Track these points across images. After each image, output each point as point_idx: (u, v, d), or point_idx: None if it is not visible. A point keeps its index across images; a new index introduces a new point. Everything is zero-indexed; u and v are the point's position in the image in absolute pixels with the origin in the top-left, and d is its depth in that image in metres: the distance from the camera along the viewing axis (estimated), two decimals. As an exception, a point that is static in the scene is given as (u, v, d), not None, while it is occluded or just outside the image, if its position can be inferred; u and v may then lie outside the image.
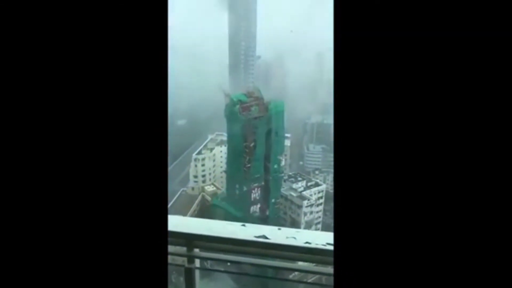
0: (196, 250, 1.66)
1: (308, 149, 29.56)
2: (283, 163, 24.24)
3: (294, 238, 1.50)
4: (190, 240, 1.61)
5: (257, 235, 1.52)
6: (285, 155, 25.61)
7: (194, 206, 23.12)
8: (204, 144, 27.00)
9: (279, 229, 1.56)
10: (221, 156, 26.29)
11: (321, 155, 28.73)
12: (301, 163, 29.26)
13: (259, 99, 22.21)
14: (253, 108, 21.74)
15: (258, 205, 22.56)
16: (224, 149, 25.34)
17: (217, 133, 26.93)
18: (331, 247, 1.44)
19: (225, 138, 24.85)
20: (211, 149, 26.15)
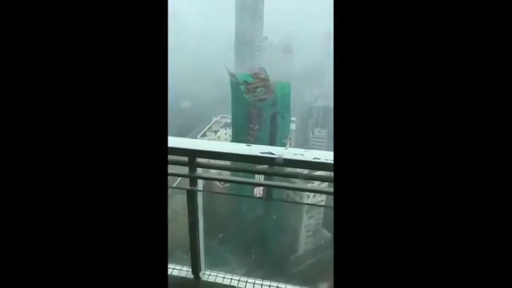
0: (199, 171, 1.61)
1: (313, 133, 29.46)
2: (288, 146, 24.22)
3: (302, 155, 1.43)
4: (192, 158, 1.55)
5: (263, 151, 1.46)
6: (290, 138, 25.55)
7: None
8: (208, 126, 27.02)
9: (285, 148, 1.50)
10: (226, 139, 26.31)
11: (326, 140, 28.63)
12: (306, 147, 29.24)
13: (265, 80, 21.98)
14: (258, 90, 21.57)
15: (262, 187, 22.70)
16: (228, 131, 25.34)
17: (221, 115, 26.92)
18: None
19: (229, 120, 24.82)
20: (216, 132, 26.20)
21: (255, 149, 1.48)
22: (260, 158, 1.43)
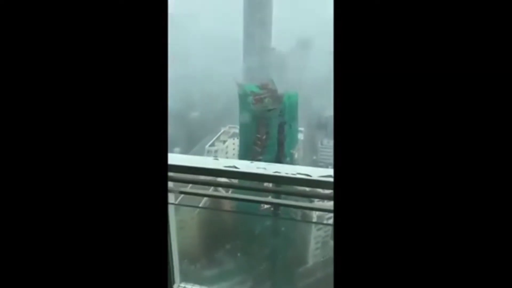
0: (170, 185, 1.64)
1: (322, 143, 29.29)
2: (296, 156, 24.07)
3: (264, 168, 1.45)
4: (161, 171, 1.58)
5: (228, 165, 1.49)
6: (298, 149, 25.44)
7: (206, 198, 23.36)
8: (216, 136, 27.22)
9: (251, 162, 1.52)
10: (234, 149, 26.43)
11: (335, 150, 28.26)
12: (314, 157, 29.04)
13: (272, 90, 22.05)
14: (266, 100, 21.64)
15: (269, 198, 22.49)
16: (236, 141, 25.46)
17: (229, 125, 27.14)
18: (302, 176, 1.39)
19: (237, 130, 24.93)
20: (224, 141, 26.38)
21: (221, 163, 1.51)
22: (224, 171, 1.46)
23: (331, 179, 1.35)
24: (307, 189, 1.42)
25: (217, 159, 1.55)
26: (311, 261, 19.56)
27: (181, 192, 1.74)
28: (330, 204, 1.67)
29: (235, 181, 1.60)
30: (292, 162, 23.05)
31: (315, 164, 28.24)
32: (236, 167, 1.45)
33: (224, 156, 26.37)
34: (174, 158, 1.63)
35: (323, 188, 1.39)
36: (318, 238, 19.94)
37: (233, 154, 26.52)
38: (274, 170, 1.40)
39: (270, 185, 1.63)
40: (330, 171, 1.38)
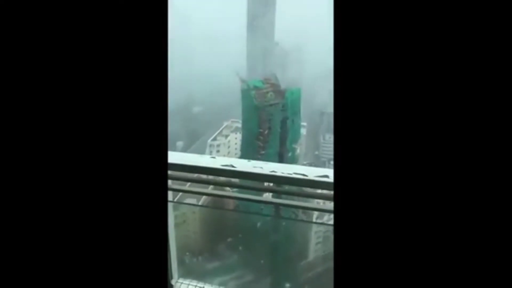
0: (169, 183, 1.64)
1: (324, 138, 29.25)
2: (298, 151, 24.05)
3: (261, 167, 1.45)
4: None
5: (225, 163, 1.49)
6: (301, 144, 25.41)
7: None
8: (219, 131, 27.24)
9: (248, 161, 1.52)
10: (236, 143, 26.45)
11: (337, 145, 28.21)
12: (316, 152, 29.04)
13: (275, 85, 22.00)
14: (269, 95, 21.60)
15: (271, 194, 22.56)
16: (239, 136, 25.47)
17: (232, 120, 27.12)
18: (298, 176, 1.39)
19: (240, 125, 24.92)
20: (226, 136, 26.38)
21: (219, 161, 1.51)
22: (220, 170, 1.46)
23: (328, 179, 1.35)
24: (304, 188, 1.42)
25: (214, 158, 1.55)
26: (311, 255, 19.64)
27: (178, 190, 1.74)
28: (327, 203, 1.67)
29: (233, 179, 1.60)
30: (294, 156, 23.07)
31: (317, 158, 28.23)
32: (233, 166, 1.45)
33: (226, 151, 26.41)
34: (170, 156, 1.63)
35: (319, 188, 1.39)
36: (319, 233, 20.01)
37: (235, 149, 26.54)
38: (271, 170, 1.40)
39: (271, 184, 1.63)
40: (327, 171, 1.37)
